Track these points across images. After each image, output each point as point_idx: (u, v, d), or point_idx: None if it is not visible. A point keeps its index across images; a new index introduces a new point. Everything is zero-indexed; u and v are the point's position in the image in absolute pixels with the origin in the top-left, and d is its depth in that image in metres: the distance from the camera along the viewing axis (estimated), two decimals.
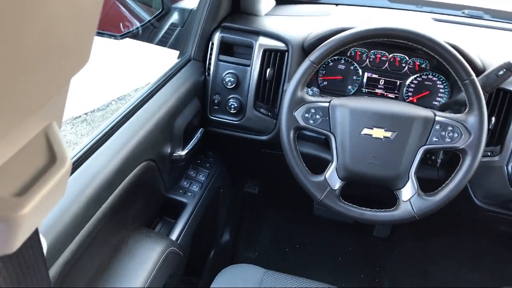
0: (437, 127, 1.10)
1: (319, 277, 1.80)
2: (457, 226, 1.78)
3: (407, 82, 1.37)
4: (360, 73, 1.40)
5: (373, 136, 1.11)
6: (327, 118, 1.14)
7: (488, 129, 1.25)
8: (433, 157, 1.28)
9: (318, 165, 1.19)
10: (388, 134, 1.11)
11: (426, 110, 1.14)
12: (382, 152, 1.11)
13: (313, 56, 1.14)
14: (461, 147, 1.08)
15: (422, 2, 1.78)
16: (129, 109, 1.05)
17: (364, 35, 1.11)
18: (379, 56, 1.37)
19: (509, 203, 1.30)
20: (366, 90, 1.41)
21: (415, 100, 1.38)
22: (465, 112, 1.10)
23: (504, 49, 1.36)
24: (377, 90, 1.41)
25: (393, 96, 1.40)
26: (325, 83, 1.43)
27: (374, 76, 1.40)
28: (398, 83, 1.39)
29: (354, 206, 1.14)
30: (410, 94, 1.38)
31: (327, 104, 1.15)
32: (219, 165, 1.46)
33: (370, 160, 1.12)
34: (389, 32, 1.10)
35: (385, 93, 1.41)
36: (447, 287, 1.73)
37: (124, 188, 0.95)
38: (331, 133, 1.14)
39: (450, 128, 1.09)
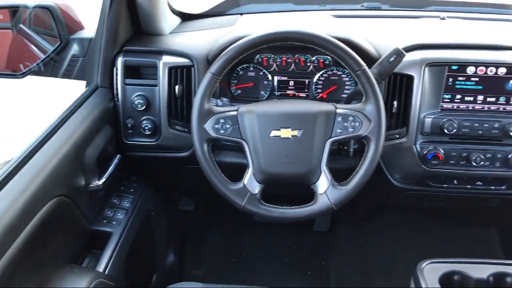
0: (339, 119, 1.14)
1: (268, 281, 1.82)
2: (387, 208, 1.85)
3: (314, 79, 1.42)
4: (270, 77, 1.43)
5: (281, 136, 1.14)
6: (237, 126, 1.16)
7: (392, 113, 1.32)
8: (345, 147, 1.32)
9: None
10: (295, 132, 1.14)
11: (327, 104, 1.18)
12: (293, 151, 1.14)
13: (213, 68, 1.16)
14: (364, 135, 1.13)
15: (325, 1, 1.86)
16: (33, 145, 1.03)
17: (256, 42, 1.14)
18: (285, 59, 1.42)
19: (424, 180, 1.37)
20: (279, 93, 1.46)
21: (325, 96, 1.44)
22: (362, 101, 1.15)
23: (399, 35, 1.43)
24: (288, 92, 1.45)
25: (304, 95, 1.45)
26: (239, 91, 1.46)
27: (283, 78, 1.44)
28: (306, 82, 1.44)
29: (275, 206, 1.16)
30: (319, 90, 1.44)
31: (235, 113, 1.17)
32: (145, 189, 1.45)
33: (283, 160, 1.15)
34: (279, 36, 1.14)
35: (297, 93, 1.45)
36: (385, 267, 1.80)
37: (34, 228, 0.92)
38: (243, 140, 1.17)
39: (351, 118, 1.14)
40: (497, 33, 1.46)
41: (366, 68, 1.13)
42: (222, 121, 1.16)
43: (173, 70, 1.34)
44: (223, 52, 1.17)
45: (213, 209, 1.99)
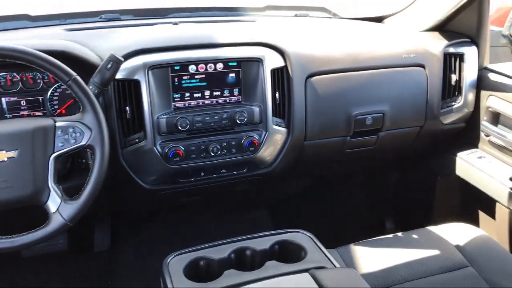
0: (59, 132, 1.11)
1: None
2: (159, 211, 1.88)
3: (48, 96, 1.35)
4: None
5: None
6: None
7: (127, 118, 1.33)
8: (84, 161, 1.29)
9: None
10: (10, 154, 1.06)
11: (45, 119, 1.13)
12: (11, 174, 1.06)
13: None
14: (87, 144, 1.11)
15: (65, 16, 1.79)
16: None
17: None
18: (9, 78, 1.32)
19: (173, 177, 1.42)
20: (10, 115, 1.34)
21: (64, 111, 1.37)
22: (81, 111, 1.14)
23: (126, 42, 1.43)
24: (22, 112, 1.35)
25: (41, 114, 1.37)
26: None
27: (13, 99, 1.33)
28: (40, 99, 1.36)
29: (4, 237, 1.07)
30: (56, 107, 1.37)
31: None
32: None
33: (1, 186, 1.06)
34: None
35: (32, 113, 1.36)
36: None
37: None
38: None
39: (71, 130, 1.11)
40: (218, 33, 1.58)
41: (77, 77, 1.12)
42: None
43: None
44: None
45: None
